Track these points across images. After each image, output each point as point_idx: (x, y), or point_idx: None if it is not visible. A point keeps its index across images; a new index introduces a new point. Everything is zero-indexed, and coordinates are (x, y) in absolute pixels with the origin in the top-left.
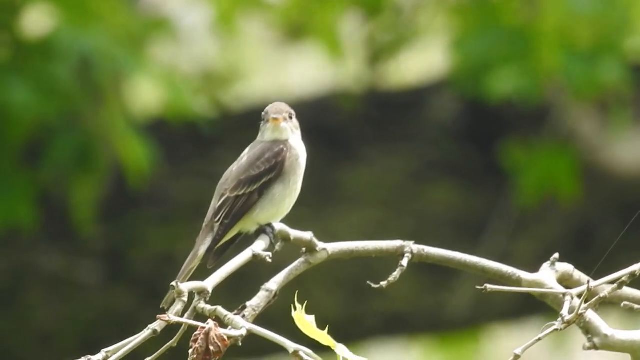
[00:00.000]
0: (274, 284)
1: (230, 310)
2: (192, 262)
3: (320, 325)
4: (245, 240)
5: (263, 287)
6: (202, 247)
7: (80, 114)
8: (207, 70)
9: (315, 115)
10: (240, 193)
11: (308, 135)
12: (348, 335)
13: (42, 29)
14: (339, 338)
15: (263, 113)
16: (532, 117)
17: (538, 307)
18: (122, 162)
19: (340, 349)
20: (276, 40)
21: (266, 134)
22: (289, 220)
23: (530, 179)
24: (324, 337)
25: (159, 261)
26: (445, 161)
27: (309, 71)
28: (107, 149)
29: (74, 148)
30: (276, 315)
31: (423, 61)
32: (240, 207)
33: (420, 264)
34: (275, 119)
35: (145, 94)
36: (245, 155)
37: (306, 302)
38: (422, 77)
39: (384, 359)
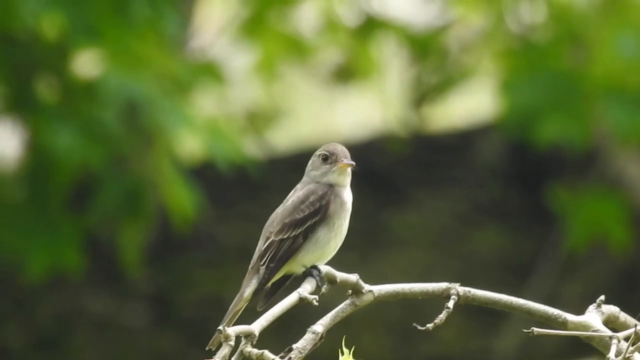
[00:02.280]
0: (320, 326)
1: (277, 354)
2: (238, 304)
3: None
4: (294, 282)
5: (309, 329)
6: (248, 289)
7: (127, 159)
8: (253, 110)
9: (363, 157)
10: (285, 236)
11: (355, 177)
12: None
13: (89, 74)
14: None
15: (324, 152)
16: (580, 161)
17: (586, 350)
18: (168, 206)
19: None
20: (323, 81)
21: (330, 175)
22: (336, 263)
23: (579, 224)
24: None
25: (206, 304)
26: (493, 204)
27: (356, 113)
28: (155, 193)
29: (122, 193)
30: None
31: (470, 104)
32: (285, 251)
33: (467, 308)
34: (347, 165)
35: (192, 138)
36: (290, 198)
37: (354, 347)
38: (469, 120)
39: None
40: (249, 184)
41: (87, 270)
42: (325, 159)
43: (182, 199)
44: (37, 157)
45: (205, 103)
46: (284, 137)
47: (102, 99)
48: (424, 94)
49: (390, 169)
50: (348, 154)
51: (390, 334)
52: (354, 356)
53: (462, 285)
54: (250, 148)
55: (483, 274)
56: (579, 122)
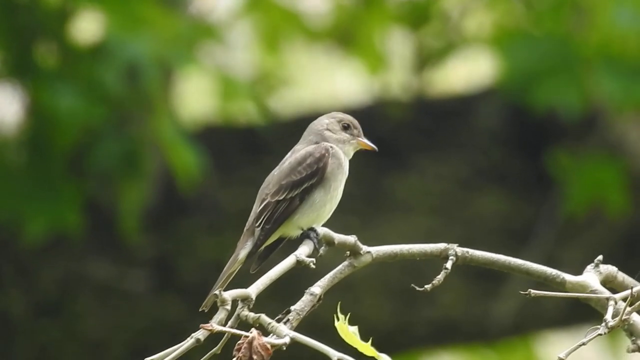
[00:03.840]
0: (318, 287)
1: (275, 317)
2: (232, 266)
3: (370, 333)
4: (290, 245)
5: (307, 290)
6: (243, 251)
7: (128, 121)
8: (255, 77)
9: (364, 123)
10: (281, 198)
11: None
12: (397, 343)
13: (90, 36)
14: (388, 346)
15: (346, 122)
16: (580, 126)
17: (586, 312)
18: (172, 167)
19: (383, 359)
20: (323, 48)
21: (347, 146)
22: (337, 228)
23: (578, 188)
24: (367, 348)
25: (208, 270)
26: (493, 169)
27: (356, 79)
28: (155, 155)
29: (120, 153)
30: (326, 325)
31: (471, 69)
32: (281, 212)
33: (467, 272)
34: (370, 147)
35: (194, 102)
36: (288, 160)
37: (349, 313)
38: (470, 85)
39: None
40: (250, 149)
41: (89, 236)
42: (346, 127)
43: (186, 161)
44: (38, 121)
45: (206, 67)
46: (285, 103)
47: (103, 61)
48: (425, 59)
49: (391, 134)
50: (362, 133)
51: (391, 298)
52: (353, 321)
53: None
54: (254, 112)
55: (484, 238)
56: (575, 88)
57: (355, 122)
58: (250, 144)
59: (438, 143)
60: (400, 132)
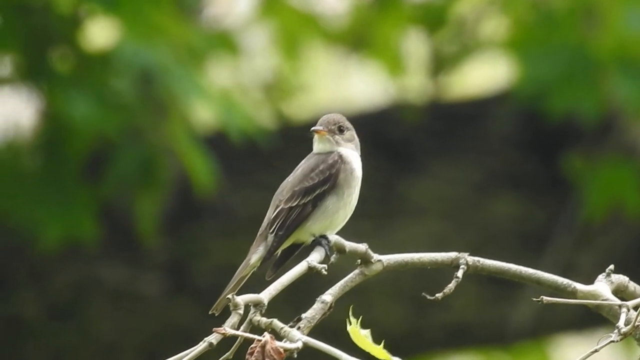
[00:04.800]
0: (329, 295)
1: (288, 323)
2: (244, 270)
3: (383, 337)
4: (305, 252)
5: (318, 299)
6: (255, 255)
7: (142, 128)
8: (269, 82)
9: (378, 127)
10: (294, 204)
11: (370, 147)
12: (411, 348)
13: (104, 43)
14: (401, 351)
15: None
16: (596, 129)
17: (600, 320)
18: (188, 173)
19: None
20: (339, 52)
21: (314, 145)
22: (350, 232)
23: (595, 192)
24: (379, 351)
25: (222, 273)
26: (508, 173)
27: (371, 83)
28: (170, 162)
29: (138, 162)
30: (338, 329)
31: (486, 73)
32: (294, 219)
33: (481, 277)
34: (316, 131)
35: (206, 108)
36: (301, 167)
37: (362, 317)
38: (485, 89)
39: None
40: (264, 154)
41: (103, 239)
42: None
43: (201, 167)
44: (52, 126)
45: (220, 73)
46: (299, 108)
47: (117, 68)
48: (441, 63)
49: (406, 138)
50: (327, 121)
51: (404, 303)
52: (365, 325)
53: (476, 255)
54: (265, 119)
55: (498, 244)
56: (591, 93)
57: (321, 119)
58: (261, 149)
59: (452, 147)
60: (414, 136)
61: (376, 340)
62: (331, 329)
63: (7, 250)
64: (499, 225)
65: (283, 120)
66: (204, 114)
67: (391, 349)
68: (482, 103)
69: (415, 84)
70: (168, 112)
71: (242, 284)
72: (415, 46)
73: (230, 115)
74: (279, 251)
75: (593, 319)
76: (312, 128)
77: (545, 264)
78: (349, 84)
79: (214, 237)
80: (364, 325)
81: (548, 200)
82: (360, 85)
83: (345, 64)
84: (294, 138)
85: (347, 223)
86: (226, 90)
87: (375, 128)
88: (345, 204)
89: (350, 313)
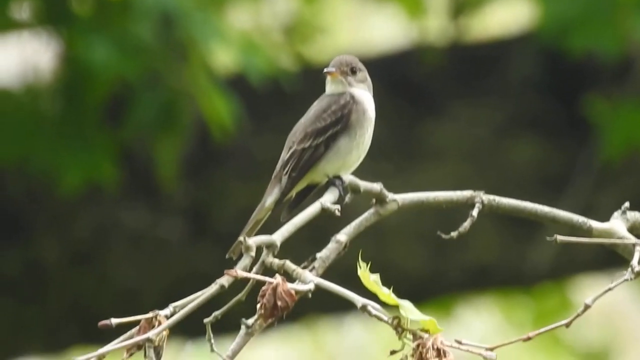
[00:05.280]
0: (344, 235)
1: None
2: (259, 214)
3: (403, 280)
4: (320, 193)
5: (333, 238)
6: (270, 198)
7: (162, 72)
8: (289, 25)
9: (398, 69)
10: (307, 145)
11: (390, 89)
12: (430, 290)
13: None
14: (421, 293)
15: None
16: (616, 70)
17: (621, 260)
18: (206, 118)
19: (405, 307)
20: None
21: (327, 87)
22: (370, 175)
23: (615, 133)
24: (388, 297)
25: (242, 217)
26: (529, 115)
27: (391, 25)
28: (191, 105)
29: (158, 106)
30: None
31: (507, 14)
32: (307, 160)
33: (501, 218)
34: (329, 72)
35: (226, 51)
36: (313, 108)
37: (382, 261)
38: (506, 31)
39: (468, 315)
40: (284, 97)
41: (123, 184)
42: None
43: (220, 110)
44: (71, 70)
45: (240, 17)
46: (319, 51)
47: (137, 12)
48: (462, 5)
49: (426, 80)
50: (339, 62)
51: (424, 245)
52: (385, 268)
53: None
54: (285, 62)
55: (519, 186)
56: (611, 32)
57: (333, 60)
58: (281, 91)
59: (473, 89)
60: (434, 79)
61: (395, 283)
62: (348, 273)
63: (27, 196)
64: (518, 168)
65: (303, 63)
66: (224, 57)
67: (410, 291)
68: (503, 45)
69: (435, 26)
70: (188, 56)
71: (258, 228)
72: None
73: (250, 57)
74: (294, 193)
75: (614, 259)
76: (325, 69)
77: (565, 206)
78: (368, 26)
79: (235, 181)
80: (383, 269)
81: (568, 142)
82: (380, 27)
83: (364, 6)
84: (314, 81)
85: (366, 165)
86: (246, 32)
87: (395, 70)
88: (358, 144)
89: (359, 257)
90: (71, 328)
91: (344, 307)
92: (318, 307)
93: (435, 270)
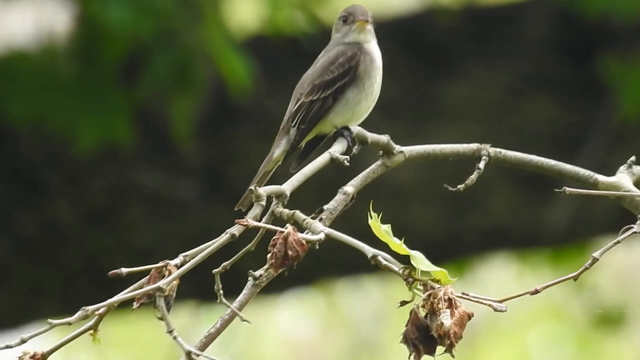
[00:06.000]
0: (351, 187)
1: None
2: (267, 165)
3: (420, 241)
4: (328, 144)
5: (340, 190)
6: (277, 149)
7: (177, 31)
8: None
9: (413, 31)
10: (315, 98)
11: (405, 51)
12: (447, 250)
13: None
14: (437, 253)
15: (343, 14)
16: (631, 32)
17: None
18: (223, 75)
19: (416, 257)
20: None
21: (350, 35)
22: (384, 133)
23: (629, 93)
24: (399, 246)
25: None
26: (544, 75)
27: None
28: (206, 65)
29: (173, 65)
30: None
31: None
32: (315, 112)
33: (517, 179)
34: (364, 21)
35: (243, 11)
36: (320, 60)
37: (399, 221)
38: None
39: (486, 276)
40: (299, 57)
41: (139, 145)
42: (345, 20)
43: (237, 68)
44: (87, 31)
45: None
46: (334, 12)
47: None
48: None
49: (440, 42)
50: (366, 12)
51: (440, 205)
52: (400, 229)
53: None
54: (302, 21)
55: (534, 146)
56: None
57: (352, 8)
58: (298, 52)
59: (487, 50)
60: (449, 40)
61: (412, 244)
62: (364, 230)
63: (43, 156)
64: (533, 128)
65: (318, 24)
66: (241, 15)
67: (427, 252)
68: (517, 6)
69: None
70: (203, 15)
71: (267, 179)
72: None
73: (272, 5)
74: (303, 144)
75: (631, 219)
76: (361, 17)
77: (580, 165)
78: None
79: (250, 141)
80: (400, 229)
81: (583, 103)
82: None
83: None
84: (329, 41)
85: (382, 125)
86: None
87: (409, 32)
88: (367, 95)
89: (370, 207)
90: (87, 288)
91: (357, 267)
92: (331, 268)
93: (451, 231)
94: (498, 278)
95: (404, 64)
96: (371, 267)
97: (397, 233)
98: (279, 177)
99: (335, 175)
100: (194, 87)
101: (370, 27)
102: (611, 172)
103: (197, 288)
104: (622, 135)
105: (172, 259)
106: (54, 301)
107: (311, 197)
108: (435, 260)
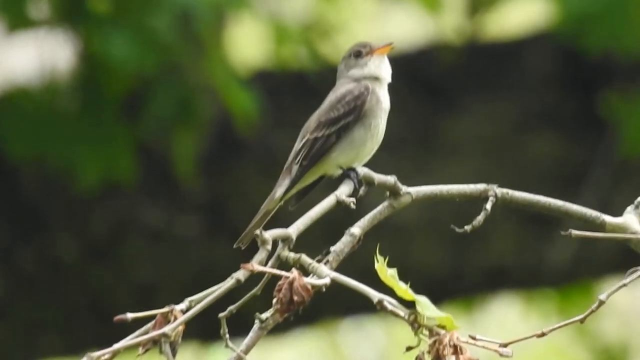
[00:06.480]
0: (358, 228)
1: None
2: (269, 205)
3: (422, 280)
4: (331, 186)
5: (347, 231)
6: (280, 189)
7: (181, 66)
8: (307, 22)
9: (416, 66)
10: (319, 135)
11: (409, 87)
12: (449, 290)
13: None
14: (440, 293)
15: (356, 48)
16: (633, 67)
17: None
18: (229, 109)
19: (422, 303)
20: None
21: (370, 66)
22: (389, 171)
23: (631, 129)
24: (405, 292)
25: None
26: (546, 111)
27: (409, 22)
28: (209, 100)
29: (176, 100)
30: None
31: (523, 11)
32: (318, 149)
33: (520, 217)
34: (385, 47)
35: (245, 46)
36: (328, 98)
37: (401, 260)
38: (522, 28)
39: (487, 315)
40: (301, 93)
41: (141, 180)
42: (359, 54)
43: (243, 102)
44: (89, 67)
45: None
46: (337, 48)
47: (157, 6)
48: (478, 3)
49: (444, 77)
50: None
51: (443, 244)
52: (404, 267)
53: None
54: (305, 57)
55: (536, 182)
56: (631, 30)
57: (364, 42)
58: (301, 88)
59: (490, 86)
60: (452, 76)
61: (415, 284)
62: (365, 269)
63: (45, 192)
64: (536, 163)
65: (321, 60)
66: (244, 50)
67: (430, 292)
68: (520, 42)
69: (452, 24)
70: (207, 49)
71: (267, 219)
72: None
73: (279, 35)
74: (307, 184)
75: (631, 259)
76: (382, 45)
77: (582, 202)
78: (386, 24)
79: (253, 177)
80: (401, 268)
81: (585, 138)
82: (398, 25)
83: (382, 3)
84: (333, 78)
85: (385, 162)
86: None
87: (413, 68)
88: (372, 135)
89: (377, 251)
90: (88, 325)
91: (362, 308)
92: (336, 308)
93: (453, 270)
94: (502, 316)
95: (408, 100)
96: (375, 308)
97: (399, 271)
98: (280, 216)
99: (340, 215)
100: (196, 123)
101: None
102: (614, 208)
103: (200, 327)
104: (624, 171)
105: (173, 295)
106: (55, 338)
107: (316, 237)
108: (436, 300)
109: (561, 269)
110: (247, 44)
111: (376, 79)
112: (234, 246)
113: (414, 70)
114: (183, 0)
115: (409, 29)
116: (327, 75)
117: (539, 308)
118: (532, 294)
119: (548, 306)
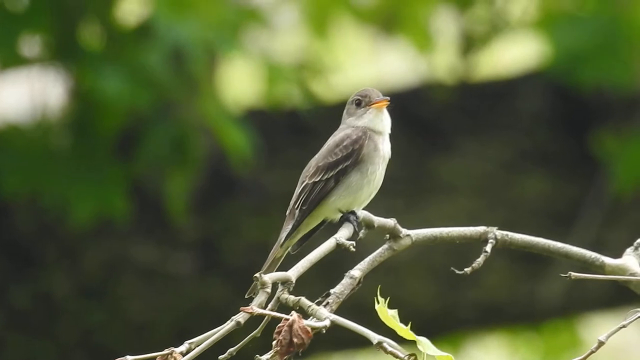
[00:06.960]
0: (358, 271)
1: (318, 299)
2: (276, 252)
3: (414, 316)
4: (332, 229)
5: (347, 274)
6: (283, 234)
7: (174, 104)
8: (300, 61)
9: (409, 105)
10: (318, 179)
11: (401, 125)
12: (441, 326)
13: (136, 19)
14: (432, 329)
15: (357, 97)
16: (625, 106)
17: (634, 294)
18: (223, 146)
19: (422, 343)
20: (370, 31)
21: (366, 118)
22: (382, 210)
23: (623, 168)
24: (406, 332)
25: (253, 251)
26: (538, 150)
27: (402, 62)
28: (202, 139)
29: (169, 140)
30: (368, 308)
31: (515, 51)
32: (316, 194)
33: (511, 254)
34: (383, 101)
35: (238, 85)
36: (327, 143)
37: (393, 295)
38: (515, 67)
39: (479, 351)
40: (295, 132)
41: (134, 218)
42: (359, 103)
43: (237, 140)
44: (82, 104)
45: (251, 53)
46: (330, 87)
47: (149, 44)
48: (471, 42)
49: (436, 117)
50: (380, 95)
51: (436, 280)
52: (396, 303)
53: (507, 231)
54: (298, 96)
55: (529, 221)
56: (622, 66)
57: (366, 91)
58: (294, 127)
59: (482, 125)
60: (445, 115)
61: (406, 318)
62: (361, 307)
63: (37, 229)
64: (529, 203)
65: (315, 99)
66: (236, 89)
67: (422, 327)
68: (512, 81)
69: (445, 63)
70: (200, 87)
71: (277, 266)
72: (445, 25)
73: (271, 75)
74: (309, 228)
75: (625, 296)
76: (376, 99)
77: (575, 240)
78: (379, 63)
79: (245, 215)
80: (394, 304)
81: (578, 177)
82: (391, 64)
83: (375, 43)
84: (327, 117)
85: (379, 201)
86: (265, 55)
87: (406, 107)
88: (369, 181)
89: (378, 292)
90: None
91: (352, 343)
92: (327, 344)
93: (446, 306)
94: (492, 352)
95: (401, 139)
96: (368, 344)
97: (390, 306)
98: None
99: (339, 256)
100: (189, 162)
101: (387, 113)
102: (606, 247)
103: None
104: (616, 209)
105: (166, 332)
106: None
107: (315, 279)
108: (429, 335)
109: (552, 305)
110: (240, 82)
111: (373, 130)
112: (245, 296)
113: (407, 109)
114: (174, 39)
115: (402, 68)
116: (320, 114)
117: (525, 345)
118: (521, 330)
119: (535, 344)
